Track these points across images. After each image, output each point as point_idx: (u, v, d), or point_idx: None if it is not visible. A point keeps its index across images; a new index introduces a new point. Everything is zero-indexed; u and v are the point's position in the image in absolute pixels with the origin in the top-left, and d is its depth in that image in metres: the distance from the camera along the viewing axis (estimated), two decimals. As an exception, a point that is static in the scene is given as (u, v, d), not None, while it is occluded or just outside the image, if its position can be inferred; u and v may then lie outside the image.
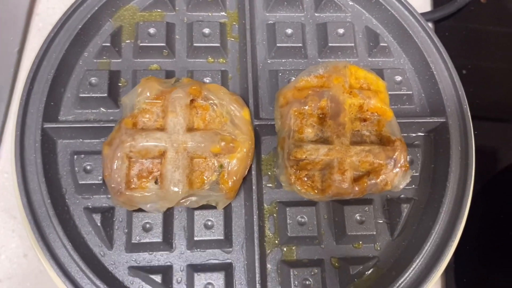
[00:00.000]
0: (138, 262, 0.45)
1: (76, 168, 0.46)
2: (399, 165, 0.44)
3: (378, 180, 0.44)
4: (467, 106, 0.51)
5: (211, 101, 0.45)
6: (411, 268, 0.45)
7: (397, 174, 0.44)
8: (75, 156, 0.46)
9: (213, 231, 0.45)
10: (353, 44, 0.53)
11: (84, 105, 0.49)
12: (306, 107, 0.46)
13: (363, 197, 0.47)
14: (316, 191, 0.44)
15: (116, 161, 0.42)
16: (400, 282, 0.44)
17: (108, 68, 0.51)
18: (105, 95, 0.48)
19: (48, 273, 0.43)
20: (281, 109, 0.47)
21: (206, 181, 0.43)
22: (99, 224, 0.45)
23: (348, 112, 0.45)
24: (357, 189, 0.43)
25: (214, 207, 0.46)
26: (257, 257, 0.44)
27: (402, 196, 0.50)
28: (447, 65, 0.52)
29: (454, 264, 0.46)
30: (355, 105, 0.46)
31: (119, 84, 0.51)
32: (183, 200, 0.44)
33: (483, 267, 0.53)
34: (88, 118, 0.49)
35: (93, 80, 0.49)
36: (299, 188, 0.44)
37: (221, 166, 0.44)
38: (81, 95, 0.48)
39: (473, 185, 0.48)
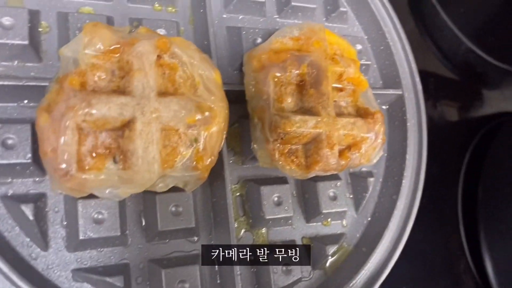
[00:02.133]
0: (84, 263, 0.35)
1: (-10, 142, 0.33)
2: (379, 138, 0.42)
3: (359, 154, 0.41)
4: (419, 78, 0.51)
5: (181, 59, 0.36)
6: (381, 244, 0.44)
7: (376, 147, 0.42)
8: (-14, 125, 0.33)
9: (181, 218, 0.37)
10: (315, 6, 0.48)
11: (-10, 55, 0.35)
12: (286, 73, 0.40)
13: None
14: (300, 168, 0.39)
15: (64, 134, 0.31)
16: (371, 259, 0.43)
17: (21, 4, 0.37)
18: (26, 42, 0.35)
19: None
20: (254, 73, 0.40)
21: (178, 159, 0.35)
22: (31, 218, 0.33)
23: (330, 81, 0.41)
24: (342, 163, 0.40)
25: (178, 190, 0.38)
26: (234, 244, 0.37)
27: (364, 169, 0.48)
28: (399, 35, 0.51)
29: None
30: (336, 73, 0.42)
31: (39, 29, 0.38)
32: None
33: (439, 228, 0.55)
34: (-3, 73, 0.35)
35: (6, 20, 0.35)
36: (283, 164, 0.39)
37: (195, 140, 0.36)
38: (-12, 40, 0.34)
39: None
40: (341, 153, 0.41)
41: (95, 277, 0.34)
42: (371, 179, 0.47)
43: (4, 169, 0.34)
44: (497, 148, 0.64)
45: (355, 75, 0.42)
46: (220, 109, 0.37)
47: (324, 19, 0.50)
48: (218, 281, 0.38)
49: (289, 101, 0.40)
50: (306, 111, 0.40)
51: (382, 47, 0.51)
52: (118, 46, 0.34)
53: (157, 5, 0.43)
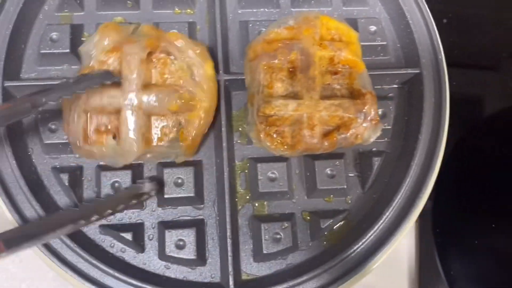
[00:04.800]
0: (108, 220, 0.44)
1: (41, 128, 0.43)
2: (369, 118, 0.42)
3: (348, 134, 0.42)
4: (443, 56, 0.47)
5: (173, 54, 0.42)
6: (381, 221, 0.43)
7: (367, 128, 0.42)
8: (39, 115, 0.44)
9: (183, 188, 0.43)
10: (329, -8, 0.49)
11: (46, 62, 0.45)
12: (276, 61, 0.42)
13: (335, 151, 0.44)
14: (286, 147, 0.42)
15: (72, 116, 0.40)
16: (369, 234, 0.43)
17: (70, 21, 0.47)
18: (67, 50, 0.45)
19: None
20: (250, 63, 0.44)
21: (164, 139, 0.41)
22: (67, 184, 0.43)
23: (318, 65, 0.42)
24: (326, 144, 0.41)
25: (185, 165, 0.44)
26: (228, 213, 0.42)
27: (374, 149, 0.47)
28: (423, 14, 0.48)
29: (431, 213, 0.45)
30: (326, 58, 0.42)
31: (82, 39, 0.47)
32: (141, 157, 0.42)
33: (460, 214, 0.52)
34: (52, 76, 0.46)
35: (54, 35, 0.45)
36: (268, 144, 0.42)
37: (179, 123, 0.41)
38: (42, 51, 0.44)
39: (450, 135, 0.46)
40: (328, 133, 0.42)
41: (115, 232, 0.43)
42: (377, 159, 0.46)
43: (52, 148, 0.44)
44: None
45: (348, 57, 0.43)
46: (202, 98, 0.41)
47: (341, 3, 0.50)
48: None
49: (279, 87, 0.43)
50: (294, 95, 0.42)
51: (402, 26, 0.49)
52: (118, 45, 0.41)
53: (177, 9, 0.48)
